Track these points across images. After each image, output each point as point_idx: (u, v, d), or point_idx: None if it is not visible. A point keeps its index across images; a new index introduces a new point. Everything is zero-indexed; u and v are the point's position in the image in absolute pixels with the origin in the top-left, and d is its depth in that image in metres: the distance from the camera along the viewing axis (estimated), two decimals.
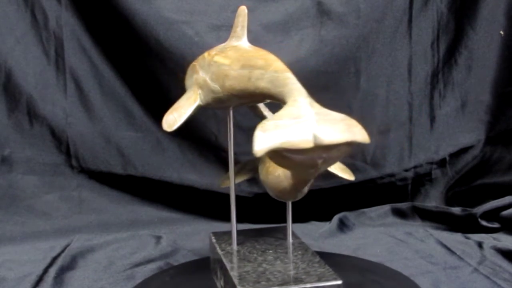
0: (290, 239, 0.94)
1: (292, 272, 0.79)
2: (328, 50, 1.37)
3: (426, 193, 1.42)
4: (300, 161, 0.64)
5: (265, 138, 0.62)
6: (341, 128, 0.62)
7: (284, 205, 0.95)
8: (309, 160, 0.64)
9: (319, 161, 0.64)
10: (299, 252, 0.88)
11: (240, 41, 0.87)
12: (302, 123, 0.63)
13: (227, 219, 1.36)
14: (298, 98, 0.67)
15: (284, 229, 0.95)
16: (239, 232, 0.92)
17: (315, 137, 0.61)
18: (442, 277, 1.00)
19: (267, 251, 0.88)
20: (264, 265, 0.82)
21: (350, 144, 0.62)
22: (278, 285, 0.74)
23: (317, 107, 0.66)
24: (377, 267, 1.03)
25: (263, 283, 0.75)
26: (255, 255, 0.87)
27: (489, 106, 1.42)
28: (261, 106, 0.95)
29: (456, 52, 1.42)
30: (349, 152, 0.66)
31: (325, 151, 0.63)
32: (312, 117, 0.63)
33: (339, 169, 0.95)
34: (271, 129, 0.63)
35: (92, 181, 1.42)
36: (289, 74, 0.72)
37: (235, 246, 0.90)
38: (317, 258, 0.84)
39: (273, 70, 0.73)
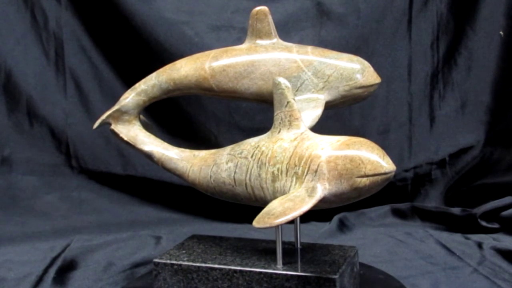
0: None
1: None
2: None
3: (426, 194, 1.42)
4: None
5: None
6: None
7: None
8: None
9: None
10: None
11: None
12: None
13: (227, 219, 1.37)
14: None
15: None
16: None
17: None
18: (442, 277, 1.00)
19: None
20: None
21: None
22: None
23: None
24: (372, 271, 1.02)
25: None
26: None
27: (489, 106, 1.42)
28: None
29: (455, 53, 1.42)
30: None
31: None
32: None
33: None
34: None
35: (92, 182, 1.43)
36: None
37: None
38: None
39: None
